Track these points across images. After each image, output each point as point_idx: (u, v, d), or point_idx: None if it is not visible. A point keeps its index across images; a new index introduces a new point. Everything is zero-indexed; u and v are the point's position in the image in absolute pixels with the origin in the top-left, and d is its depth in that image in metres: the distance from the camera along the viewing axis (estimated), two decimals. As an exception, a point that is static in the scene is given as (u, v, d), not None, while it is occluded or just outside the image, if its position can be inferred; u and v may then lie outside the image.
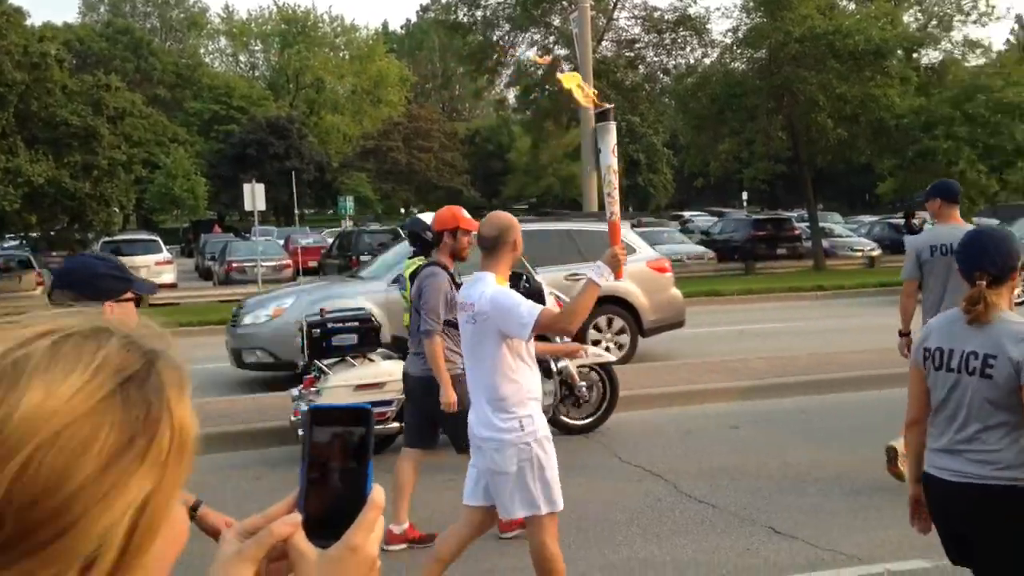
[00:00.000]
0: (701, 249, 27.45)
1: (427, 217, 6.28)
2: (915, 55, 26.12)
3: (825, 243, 27.81)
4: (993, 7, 26.65)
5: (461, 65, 30.16)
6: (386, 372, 6.99)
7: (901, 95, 23.18)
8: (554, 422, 7.40)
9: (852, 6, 25.53)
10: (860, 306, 16.95)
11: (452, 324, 4.93)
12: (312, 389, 7.03)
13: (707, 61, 26.12)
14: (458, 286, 4.96)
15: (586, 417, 7.83)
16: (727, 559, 4.94)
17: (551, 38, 23.47)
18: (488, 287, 3.86)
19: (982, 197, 25.01)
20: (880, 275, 22.13)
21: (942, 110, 23.29)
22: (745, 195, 54.89)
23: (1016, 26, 71.29)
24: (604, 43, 23.88)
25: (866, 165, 28.14)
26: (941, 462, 3.01)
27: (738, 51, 25.32)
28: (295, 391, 7.23)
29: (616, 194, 4.04)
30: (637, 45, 24.16)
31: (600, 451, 7.31)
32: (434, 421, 5.25)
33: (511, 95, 27.59)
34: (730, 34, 25.68)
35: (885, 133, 24.01)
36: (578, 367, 7.65)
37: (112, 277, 2.45)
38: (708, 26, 26.28)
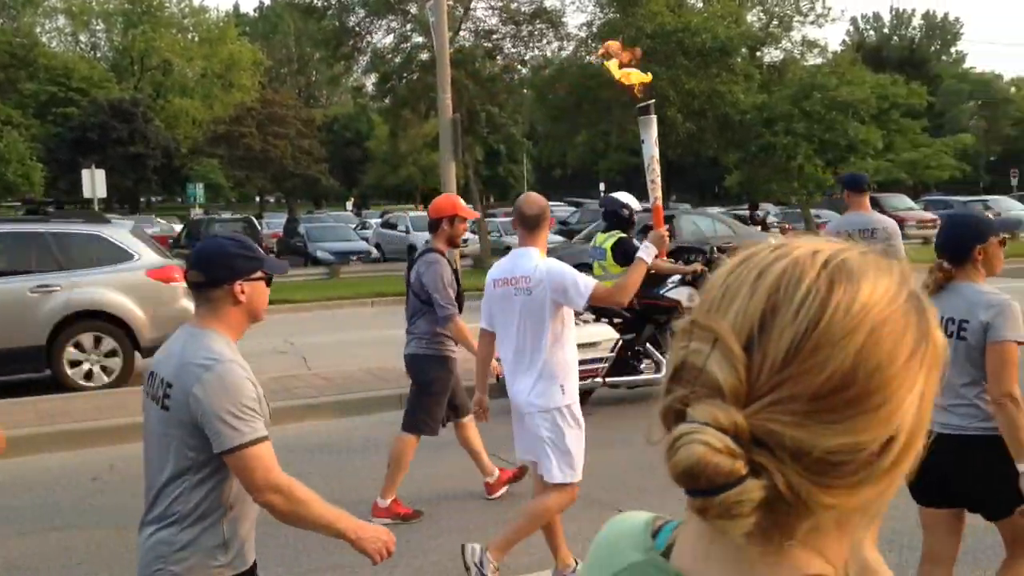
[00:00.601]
0: (560, 239, 27.92)
1: (622, 196, 7.64)
2: (758, 53, 27.39)
3: (676, 233, 28.87)
4: (829, 9, 28.34)
5: (317, 50, 29.51)
6: (599, 332, 7.96)
7: (745, 92, 24.25)
8: None
9: (700, 4, 26.51)
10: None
11: None
12: None
13: (564, 54, 26.59)
14: (454, 271, 5.37)
15: None
16: (577, 541, 5.05)
17: (408, 26, 23.27)
18: (540, 260, 4.18)
19: (819, 190, 26.53)
20: (727, 263, 23.09)
21: (782, 107, 24.51)
22: (603, 186, 56.20)
23: (851, 28, 75.86)
24: (462, 33, 23.85)
25: (714, 158, 29.36)
26: (934, 416, 3.30)
27: (593, 45, 25.84)
28: None
29: (659, 180, 4.41)
30: (495, 36, 24.27)
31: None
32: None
33: (369, 82, 27.23)
34: (585, 28, 26.20)
35: (730, 128, 25.05)
36: None
37: (242, 257, 2.55)
38: (564, 19, 26.77)
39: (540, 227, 4.27)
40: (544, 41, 24.92)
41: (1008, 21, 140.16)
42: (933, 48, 75.54)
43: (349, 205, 60.34)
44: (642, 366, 8.44)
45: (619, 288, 4.28)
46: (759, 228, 26.85)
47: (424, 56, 22.82)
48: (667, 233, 4.44)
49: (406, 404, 5.71)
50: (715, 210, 38.51)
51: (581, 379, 8.30)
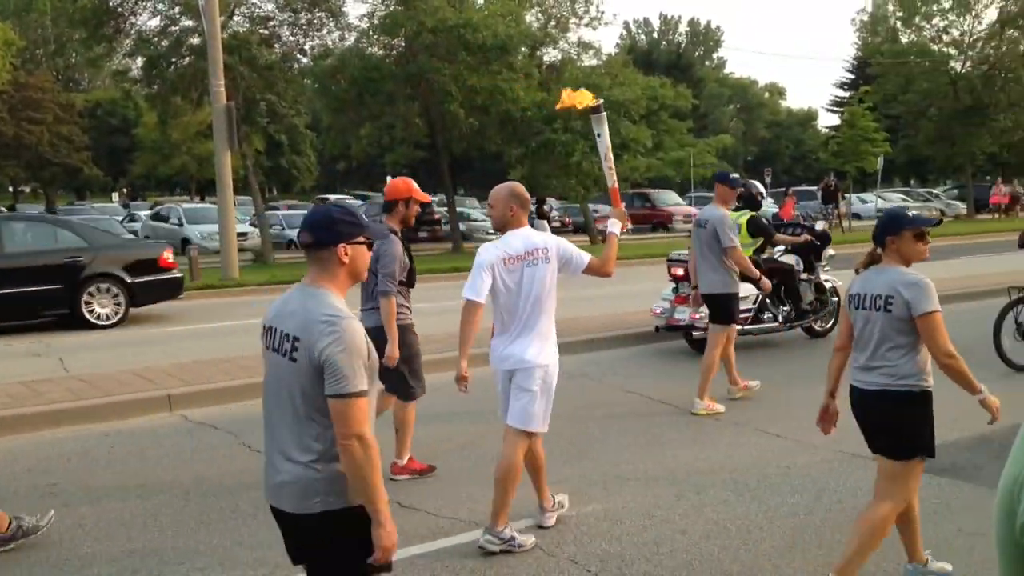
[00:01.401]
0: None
1: (757, 184, 9.71)
2: (538, 53, 28.13)
3: (463, 227, 29.15)
4: (602, 12, 29.44)
5: (75, 30, 27.33)
6: (746, 288, 8.94)
7: (525, 89, 24.84)
8: (808, 330, 10.79)
9: (481, 0, 26.86)
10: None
11: (401, 282, 5.83)
12: (686, 304, 9.47)
13: (346, 44, 26.16)
14: (407, 251, 5.83)
15: (827, 326, 10.88)
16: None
17: (176, 8, 22.00)
18: (544, 235, 4.89)
19: (596, 186, 27.65)
20: (509, 256, 23.56)
21: (560, 105, 25.34)
22: (389, 179, 55.78)
23: (624, 32, 79.68)
24: (236, 18, 22.87)
25: (498, 153, 29.91)
26: (860, 376, 4.08)
27: (375, 36, 25.58)
28: (663, 305, 10.08)
29: (613, 166, 5.25)
30: (271, 23, 23.45)
31: (222, 437, 7.03)
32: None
33: (135, 66, 25.53)
34: (366, 19, 25.89)
35: (512, 124, 25.58)
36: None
37: (346, 223, 2.84)
38: (344, 9, 26.34)
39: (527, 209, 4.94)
40: (324, 30, 24.40)
41: (763, 31, 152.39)
42: (698, 53, 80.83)
43: (116, 196, 56.52)
44: (765, 317, 10.12)
45: (606, 260, 4.93)
46: (545, 221, 27.66)
47: (195, 40, 21.68)
48: (623, 209, 5.21)
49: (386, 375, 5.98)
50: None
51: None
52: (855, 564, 3.98)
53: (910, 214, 4.16)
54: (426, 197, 6.01)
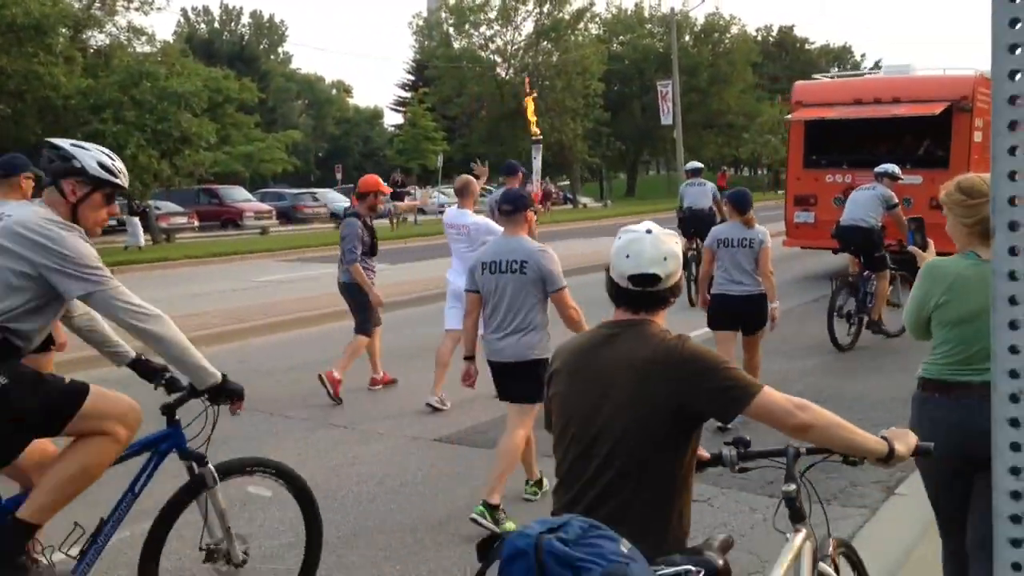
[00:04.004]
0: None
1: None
2: (82, 36, 25.68)
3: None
4: (151, -2, 27.56)
5: None
6: None
7: (67, 75, 22.55)
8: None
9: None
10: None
11: (364, 253, 7.73)
12: None
13: None
14: (369, 230, 7.73)
15: None
16: None
17: None
18: (473, 217, 7.33)
19: (156, 181, 25.94)
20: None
21: (110, 94, 23.36)
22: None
23: (182, 19, 75.77)
24: None
25: (38, 145, 26.81)
26: (731, 288, 6.75)
27: None
28: None
29: (538, 179, 7.25)
30: None
31: None
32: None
33: None
34: None
35: (53, 112, 23.12)
36: None
37: (527, 198, 5.30)
38: None
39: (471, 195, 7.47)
40: None
41: (328, 28, 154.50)
42: (262, 46, 79.47)
43: None
44: None
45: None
46: (138, 219, 25.07)
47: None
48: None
49: (354, 314, 7.97)
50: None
51: None
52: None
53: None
54: (388, 189, 8.13)
